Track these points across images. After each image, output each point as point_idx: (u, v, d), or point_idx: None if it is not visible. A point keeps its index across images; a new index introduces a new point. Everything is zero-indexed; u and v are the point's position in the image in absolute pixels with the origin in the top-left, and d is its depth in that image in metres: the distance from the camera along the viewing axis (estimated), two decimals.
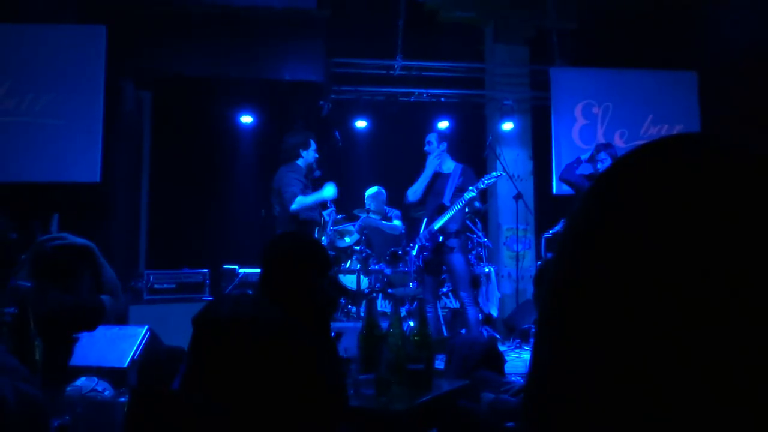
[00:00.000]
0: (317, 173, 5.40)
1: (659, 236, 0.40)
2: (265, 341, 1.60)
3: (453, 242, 5.05)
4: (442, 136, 5.36)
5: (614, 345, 0.40)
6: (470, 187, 4.97)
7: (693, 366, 0.38)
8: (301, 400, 1.60)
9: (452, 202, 5.04)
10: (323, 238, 5.42)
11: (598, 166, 5.48)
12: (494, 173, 5.30)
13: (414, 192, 5.26)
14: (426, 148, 5.29)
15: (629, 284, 0.40)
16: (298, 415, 1.60)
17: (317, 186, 5.35)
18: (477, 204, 5.18)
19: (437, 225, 5.04)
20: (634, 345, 0.39)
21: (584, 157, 5.79)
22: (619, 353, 0.40)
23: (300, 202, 4.94)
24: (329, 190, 5.05)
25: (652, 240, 0.40)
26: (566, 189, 6.15)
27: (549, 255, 6.48)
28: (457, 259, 5.06)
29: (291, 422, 1.57)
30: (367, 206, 6.51)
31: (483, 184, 5.05)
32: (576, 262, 0.44)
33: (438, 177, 5.24)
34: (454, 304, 6.12)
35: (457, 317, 6.04)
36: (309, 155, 5.15)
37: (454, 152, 5.35)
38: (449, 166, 5.25)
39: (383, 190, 6.61)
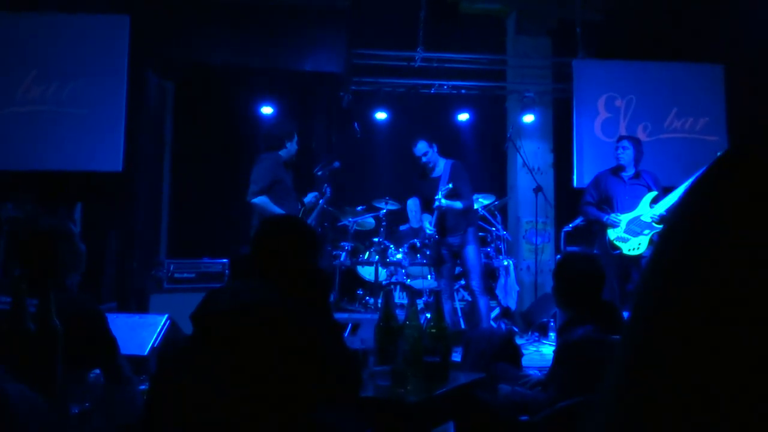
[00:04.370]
0: (336, 164, 5.40)
1: None
2: (269, 327, 1.60)
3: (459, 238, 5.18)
4: (430, 140, 5.30)
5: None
6: (435, 197, 5.00)
7: None
8: (310, 381, 1.61)
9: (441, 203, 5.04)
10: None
11: (620, 153, 5.28)
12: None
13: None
14: (424, 159, 5.23)
15: None
16: (310, 396, 1.61)
17: (334, 175, 5.37)
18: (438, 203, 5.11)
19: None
20: None
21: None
22: None
23: (261, 201, 4.75)
24: None
25: None
26: (587, 182, 6.08)
27: (568, 248, 6.42)
28: (468, 251, 5.16)
29: (304, 403, 1.59)
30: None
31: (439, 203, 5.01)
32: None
33: (430, 182, 5.25)
34: None
35: (475, 310, 6.03)
36: (292, 147, 5.09)
37: (474, 145, 5.32)
38: (440, 168, 5.28)
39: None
